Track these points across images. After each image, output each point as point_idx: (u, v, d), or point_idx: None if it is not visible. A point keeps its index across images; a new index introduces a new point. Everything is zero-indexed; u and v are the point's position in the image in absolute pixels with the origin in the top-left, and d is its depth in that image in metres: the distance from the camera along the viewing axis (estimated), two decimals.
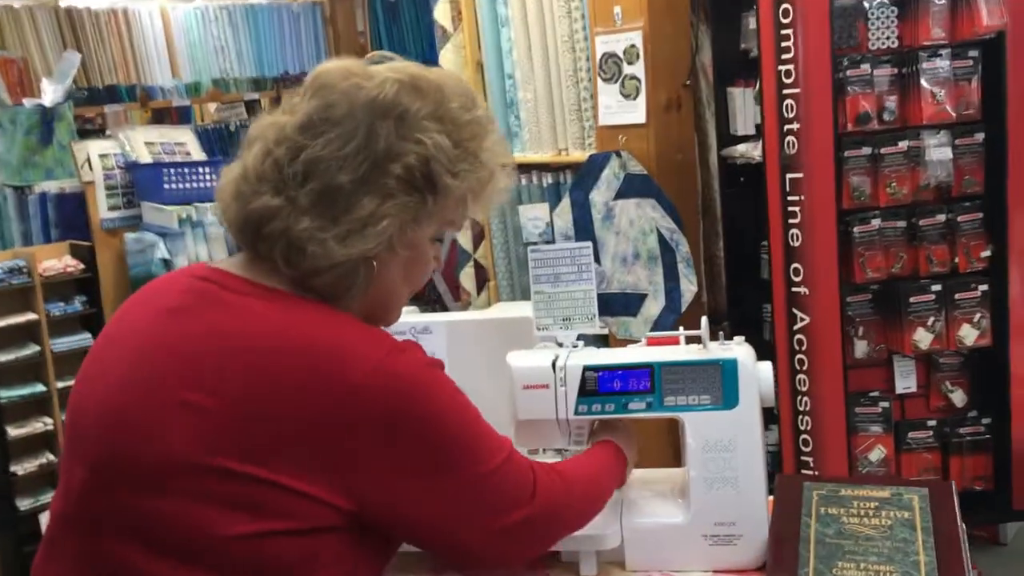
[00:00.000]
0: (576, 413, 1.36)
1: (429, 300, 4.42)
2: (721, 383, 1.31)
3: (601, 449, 1.33)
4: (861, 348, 2.40)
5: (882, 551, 1.20)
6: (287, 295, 1.07)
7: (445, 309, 4.05)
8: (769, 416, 1.35)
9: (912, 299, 2.31)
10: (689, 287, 2.62)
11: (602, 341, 2.93)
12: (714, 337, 1.37)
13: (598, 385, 1.35)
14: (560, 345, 1.45)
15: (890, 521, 1.26)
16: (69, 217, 3.44)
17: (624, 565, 1.33)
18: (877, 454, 2.40)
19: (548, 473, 1.16)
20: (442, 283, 4.36)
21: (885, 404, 2.39)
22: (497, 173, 1.17)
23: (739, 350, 1.34)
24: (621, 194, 2.68)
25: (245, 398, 1.00)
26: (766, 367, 1.34)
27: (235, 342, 1.03)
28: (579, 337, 1.46)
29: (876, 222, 2.30)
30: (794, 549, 1.24)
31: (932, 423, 2.42)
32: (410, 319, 1.70)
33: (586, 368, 1.36)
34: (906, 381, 2.43)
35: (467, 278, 3.60)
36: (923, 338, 2.31)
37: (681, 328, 1.43)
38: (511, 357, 1.41)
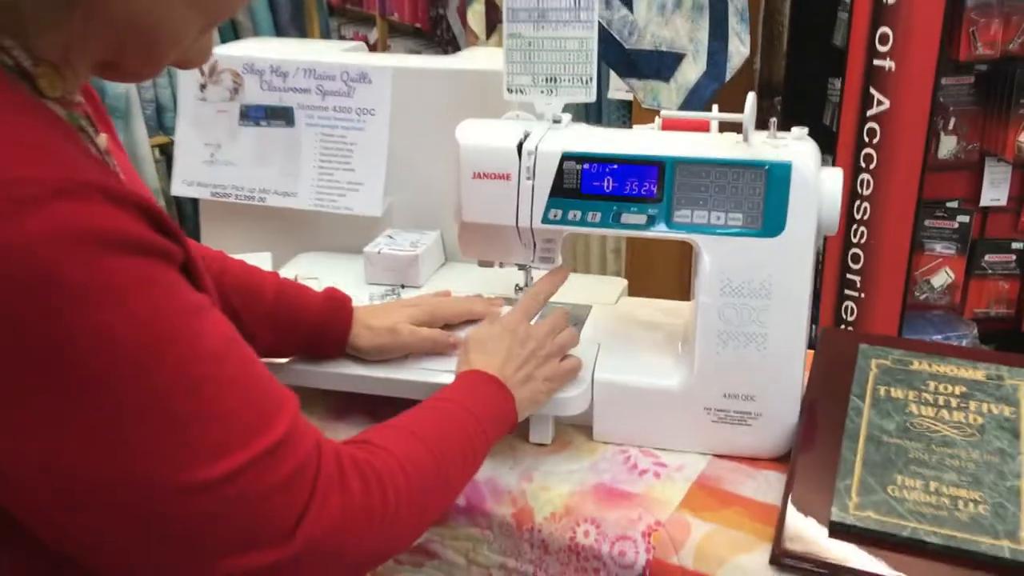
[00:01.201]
0: (544, 221, 0.95)
1: (442, 41, 3.89)
2: (763, 197, 0.89)
3: (460, 398, 0.83)
4: (948, 146, 1.94)
5: (966, 466, 0.84)
6: None
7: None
8: None
9: None
10: (739, 49, 2.11)
11: (625, 109, 2.46)
12: (763, 125, 0.93)
13: (580, 182, 0.94)
14: (540, 118, 1.03)
15: (981, 419, 0.88)
16: None
17: (591, 434, 0.99)
18: (942, 279, 2.01)
19: (344, 481, 0.63)
20: (457, 22, 3.81)
21: (964, 218, 1.97)
22: None
23: (798, 148, 0.91)
24: None
25: None
26: (834, 177, 0.92)
27: None
28: (566, 109, 1.03)
29: None
30: (834, 444, 0.87)
31: (1017, 246, 2.01)
32: (346, 59, 1.26)
33: (565, 156, 0.94)
34: (995, 192, 1.99)
35: (475, 17, 3.08)
36: None
37: (715, 108, 0.99)
38: (462, 129, 0.99)
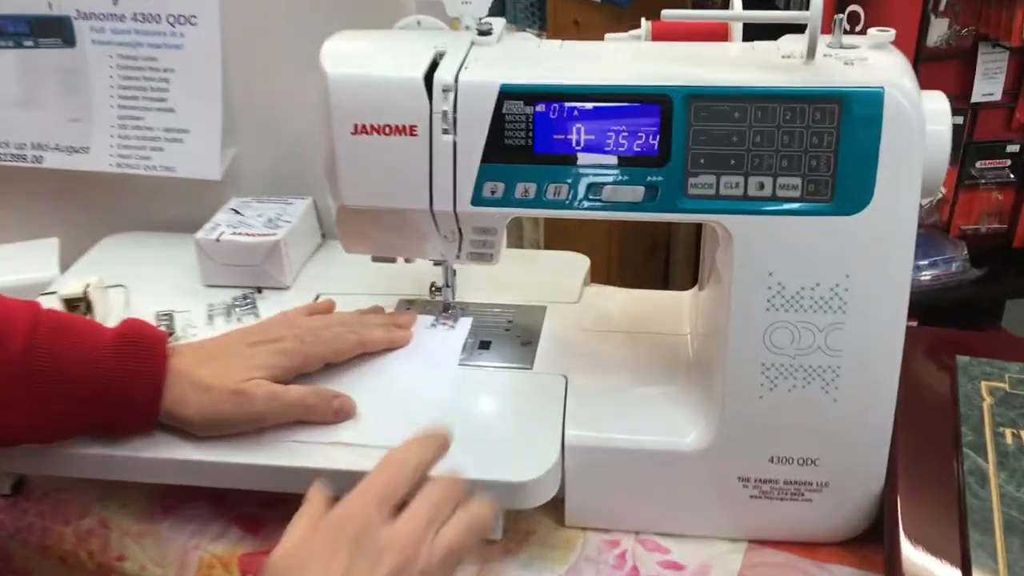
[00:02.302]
0: (477, 201, 0.61)
1: None
2: (836, 149, 0.56)
3: None
4: (938, 30, 1.64)
5: None
6: None
7: None
8: None
9: None
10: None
11: (536, 5, 2.06)
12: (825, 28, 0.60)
13: (532, 135, 0.59)
14: (454, 27, 0.67)
15: None
16: None
17: (561, 516, 0.67)
18: None
19: None
20: None
21: (957, 119, 1.69)
22: None
23: (883, 64, 0.58)
24: None
25: None
26: (939, 107, 0.60)
27: None
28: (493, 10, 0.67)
29: None
30: (950, 533, 0.58)
31: (1012, 148, 1.75)
32: None
33: (506, 92, 0.59)
34: (990, 85, 1.71)
35: None
36: None
37: (735, 2, 0.65)
38: (331, 51, 0.62)
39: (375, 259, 0.71)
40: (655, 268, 1.80)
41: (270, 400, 0.62)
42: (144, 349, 0.62)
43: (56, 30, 0.87)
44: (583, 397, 0.67)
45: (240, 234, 0.80)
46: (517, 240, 1.65)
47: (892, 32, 0.61)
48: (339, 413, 0.63)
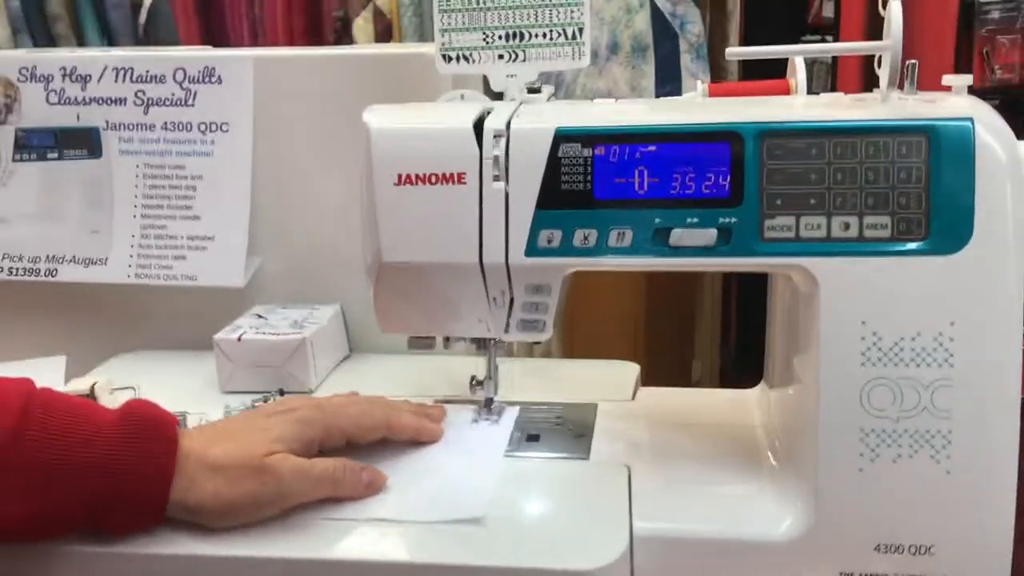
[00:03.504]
0: (532, 252, 0.56)
1: None
2: (927, 183, 0.52)
3: None
4: None
5: None
6: None
7: None
8: None
9: None
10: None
11: None
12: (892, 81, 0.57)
13: (591, 179, 0.55)
14: (500, 97, 0.65)
15: None
16: None
17: None
18: None
19: None
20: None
21: None
22: None
23: (967, 105, 0.55)
24: None
25: None
26: None
27: None
28: (547, 79, 0.65)
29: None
30: None
31: None
32: (182, 52, 0.85)
33: (562, 136, 0.55)
34: None
35: (362, 32, 2.61)
36: None
37: (798, 63, 0.63)
38: (371, 114, 0.59)
39: (411, 344, 0.65)
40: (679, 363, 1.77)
41: (297, 475, 0.54)
42: (150, 430, 0.54)
43: (82, 142, 0.85)
44: (650, 487, 0.59)
45: (263, 334, 0.75)
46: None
47: (968, 77, 0.58)
48: (370, 486, 0.56)
